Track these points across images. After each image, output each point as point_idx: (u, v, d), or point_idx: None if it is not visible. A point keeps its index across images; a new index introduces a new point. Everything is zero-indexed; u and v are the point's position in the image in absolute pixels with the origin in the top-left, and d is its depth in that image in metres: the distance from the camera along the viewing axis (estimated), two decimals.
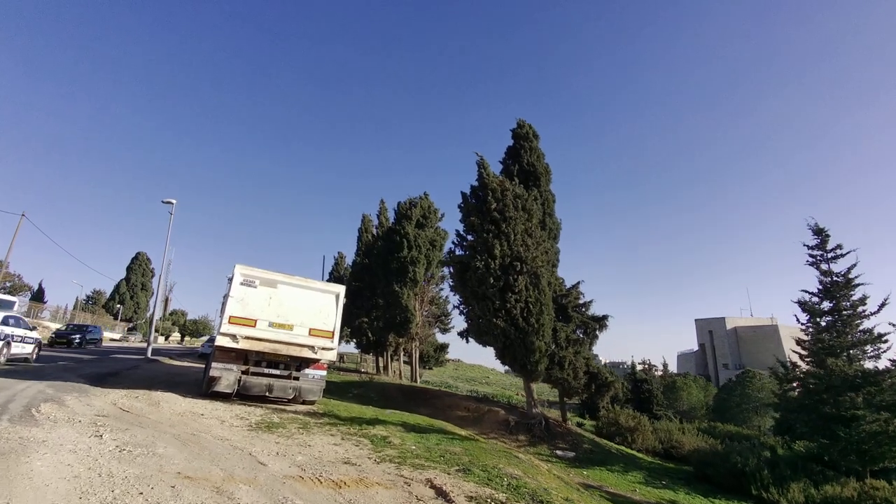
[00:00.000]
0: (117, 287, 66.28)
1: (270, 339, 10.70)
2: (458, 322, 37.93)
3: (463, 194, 19.35)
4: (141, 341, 60.52)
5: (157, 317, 25.64)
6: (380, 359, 30.54)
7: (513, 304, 16.56)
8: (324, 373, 11.70)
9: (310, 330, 11.21)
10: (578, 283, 20.32)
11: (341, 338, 21.80)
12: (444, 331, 30.86)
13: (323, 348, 11.24)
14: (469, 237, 19.09)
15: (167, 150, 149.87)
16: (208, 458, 5.51)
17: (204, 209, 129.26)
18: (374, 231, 33.15)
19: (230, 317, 10.43)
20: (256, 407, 10.32)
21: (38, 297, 55.95)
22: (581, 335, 19.36)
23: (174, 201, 24.52)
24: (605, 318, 19.30)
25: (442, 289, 31.02)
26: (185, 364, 22.62)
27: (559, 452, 14.46)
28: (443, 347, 34.25)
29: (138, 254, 69.14)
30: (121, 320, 63.10)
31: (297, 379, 11.19)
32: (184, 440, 6.31)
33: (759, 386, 37.81)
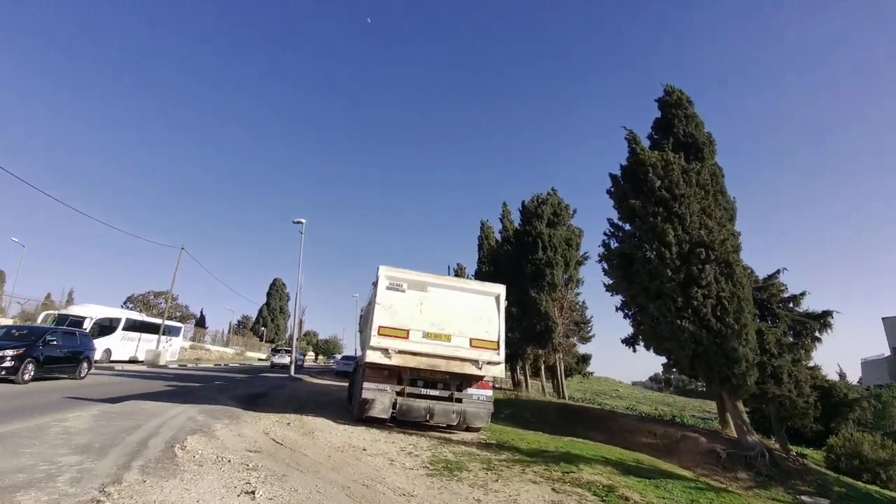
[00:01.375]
0: (260, 311, 73.31)
1: (426, 353, 8.82)
2: (600, 329, 33.80)
3: (613, 177, 16.19)
4: (312, 361, 65.95)
5: (294, 338, 26.16)
6: (515, 373, 28.03)
7: (700, 300, 12.90)
8: (490, 393, 9.51)
9: (471, 341, 9.14)
10: (778, 271, 15.74)
11: None
12: (584, 340, 27.40)
13: (489, 362, 9.07)
14: (627, 226, 15.86)
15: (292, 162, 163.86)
16: None
17: (313, 230, 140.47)
18: (497, 236, 31.03)
19: (379, 327, 8.76)
20: (419, 436, 8.42)
21: (201, 323, 63.87)
22: (792, 338, 14.80)
23: (304, 220, 24.99)
24: (827, 315, 14.46)
25: (579, 293, 27.63)
26: (325, 382, 22.48)
27: (807, 499, 10.42)
28: (585, 359, 30.63)
29: (275, 280, 76.07)
30: (265, 341, 69.42)
31: (459, 401, 9.14)
32: (356, 497, 4.40)
33: None
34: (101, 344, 26.67)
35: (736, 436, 13.02)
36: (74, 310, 26.62)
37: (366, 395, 8.71)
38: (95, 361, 26.28)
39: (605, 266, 16.36)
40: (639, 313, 14.93)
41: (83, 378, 15.35)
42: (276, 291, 75.27)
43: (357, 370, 12.66)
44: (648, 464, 8.57)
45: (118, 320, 28.27)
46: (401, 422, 9.05)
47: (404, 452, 6.87)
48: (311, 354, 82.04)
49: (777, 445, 14.20)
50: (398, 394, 8.89)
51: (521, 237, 26.06)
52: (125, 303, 50.51)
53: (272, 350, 60.29)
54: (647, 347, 15.33)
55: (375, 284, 9.29)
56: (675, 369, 22.30)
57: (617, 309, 16.67)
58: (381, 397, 8.71)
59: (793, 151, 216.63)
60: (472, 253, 31.55)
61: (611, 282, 16.13)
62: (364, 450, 6.76)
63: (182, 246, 32.53)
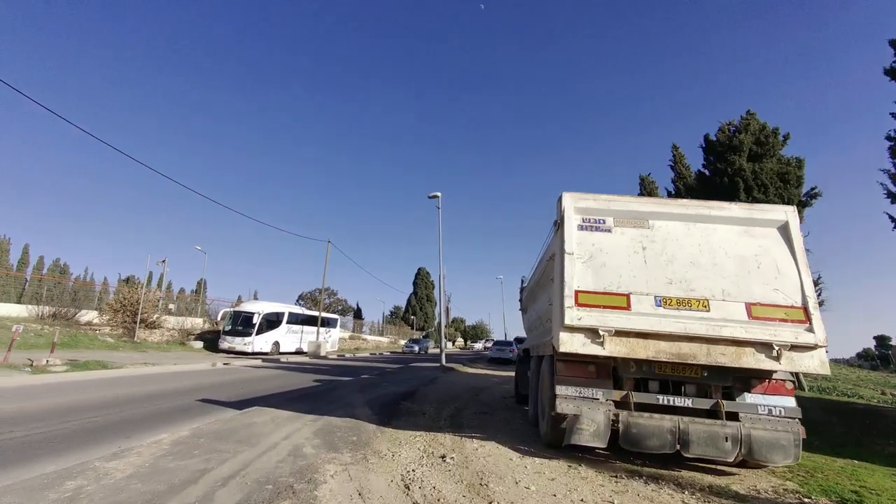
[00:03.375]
0: (409, 301, 75.69)
1: (667, 334, 4.81)
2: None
3: None
4: (433, 348, 66.91)
5: (443, 325, 24.04)
6: None
7: None
8: (793, 402, 5.08)
9: (749, 308, 4.85)
10: None
11: None
12: None
13: (793, 346, 4.70)
14: None
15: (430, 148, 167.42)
16: None
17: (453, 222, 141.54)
18: (669, 188, 24.71)
19: (576, 293, 5.02)
20: (671, 489, 4.50)
21: (358, 315, 68.12)
22: None
23: (439, 194, 22.51)
24: None
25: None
26: (481, 372, 19.74)
27: None
28: None
29: (419, 269, 77.76)
30: (415, 329, 71.42)
31: (734, 416, 4.96)
32: None
33: None
34: (270, 337, 28.28)
35: None
36: (245, 307, 28.59)
37: (563, 406, 5.08)
38: (266, 353, 28.19)
39: None
40: None
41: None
42: (422, 280, 76.93)
43: (525, 361, 9.16)
44: None
45: (283, 314, 29.80)
46: (625, 451, 5.23)
47: None
48: (459, 341, 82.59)
49: None
50: (618, 404, 5.08)
51: (710, 181, 19.70)
52: (298, 300, 55.50)
53: (410, 340, 61.35)
54: None
55: (558, 225, 5.57)
56: None
57: None
58: (588, 411, 5.00)
59: None
60: None
61: None
62: None
63: (329, 239, 33.23)
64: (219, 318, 29.39)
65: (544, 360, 6.18)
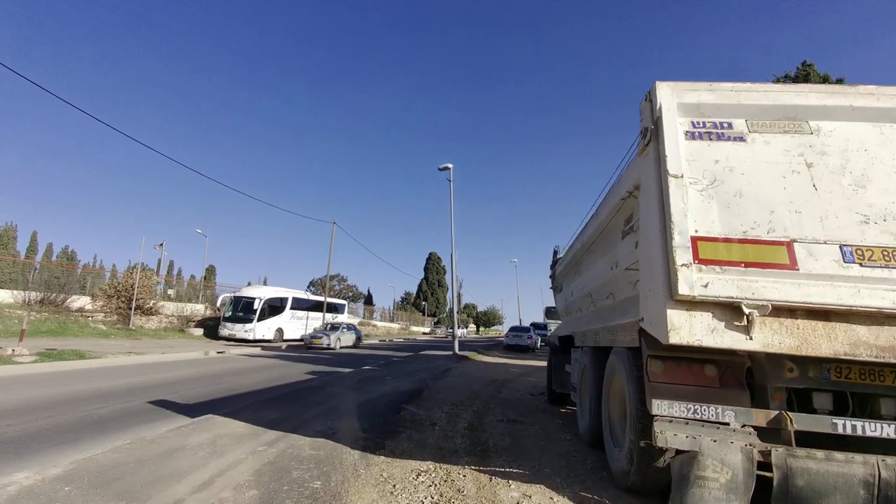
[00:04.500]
0: (419, 286, 73.96)
1: (868, 312, 2.69)
2: None
3: None
4: (445, 335, 65.30)
5: (455, 309, 22.03)
6: None
7: None
8: None
9: None
10: None
11: None
12: None
13: None
14: None
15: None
16: None
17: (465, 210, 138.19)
18: None
19: (695, 242, 2.88)
20: None
21: (369, 301, 66.62)
22: None
23: (451, 166, 20.32)
24: None
25: None
26: (497, 361, 17.72)
27: None
28: None
29: (430, 254, 75.88)
30: (426, 315, 69.75)
31: None
32: None
33: None
34: (272, 324, 26.58)
35: None
36: (246, 292, 26.91)
37: (667, 436, 2.91)
38: (269, 341, 26.55)
39: None
40: None
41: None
42: (433, 265, 75.06)
43: (563, 352, 7.07)
44: None
45: (286, 300, 28.09)
46: None
47: None
48: (472, 326, 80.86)
49: None
50: (765, 434, 2.94)
51: None
52: (309, 286, 54.01)
53: (434, 323, 59.47)
54: None
55: (648, 135, 3.35)
56: None
57: None
58: (714, 446, 2.83)
59: None
60: None
61: None
62: None
63: (334, 220, 31.29)
64: (218, 304, 27.85)
65: (615, 356, 4.06)
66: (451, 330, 25.17)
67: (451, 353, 19.11)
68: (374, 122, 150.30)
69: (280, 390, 8.12)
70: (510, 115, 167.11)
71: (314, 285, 55.89)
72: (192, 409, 6.36)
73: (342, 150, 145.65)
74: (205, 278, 49.25)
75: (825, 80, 16.89)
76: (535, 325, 31.03)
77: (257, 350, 20.40)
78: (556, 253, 8.34)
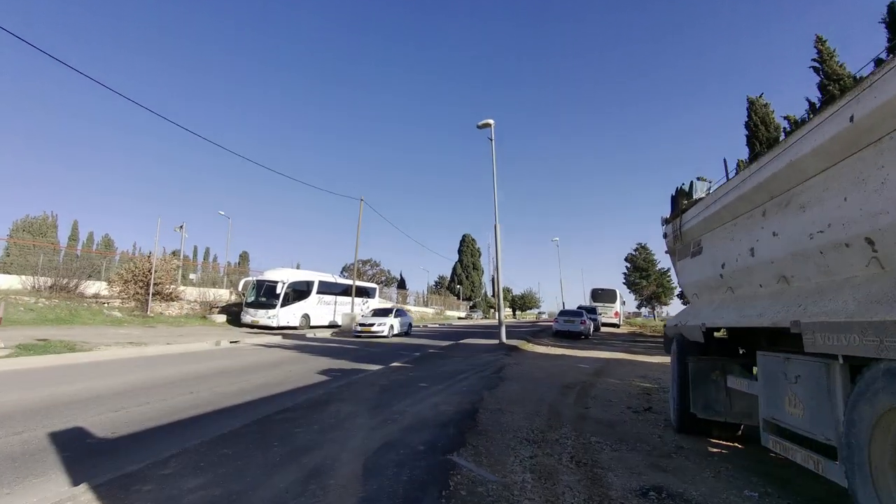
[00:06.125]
0: (454, 269, 71.25)
1: None
2: None
3: None
4: (482, 318, 62.49)
5: (500, 289, 19.12)
6: None
7: None
8: None
9: None
10: None
11: None
12: None
13: None
14: None
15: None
16: None
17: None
18: (790, 109, 18.10)
19: None
20: None
21: (402, 285, 64.57)
22: None
23: (492, 122, 17.18)
24: None
25: None
26: (553, 352, 14.74)
27: None
28: None
29: (464, 236, 72.83)
30: (461, 299, 67.14)
31: None
32: None
33: None
34: (298, 309, 24.39)
35: None
36: (269, 275, 24.85)
37: None
38: (294, 328, 24.51)
39: None
40: None
41: None
42: (467, 248, 72.07)
43: (700, 352, 4.10)
44: None
45: (312, 283, 25.88)
46: None
47: None
48: (507, 310, 77.84)
49: None
50: None
51: None
52: (342, 272, 52.32)
53: (470, 308, 56.67)
54: None
55: None
56: None
57: None
58: None
59: None
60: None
61: None
62: None
63: (361, 197, 28.79)
64: (240, 289, 26.02)
65: None
66: (490, 313, 22.35)
67: (496, 342, 16.26)
68: (408, 95, 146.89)
69: (257, 411, 5.48)
70: (551, 85, 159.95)
71: (347, 270, 54.12)
72: (110, 450, 3.80)
73: (378, 128, 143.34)
74: (238, 264, 48.23)
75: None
76: (587, 309, 27.76)
77: (277, 339, 18.21)
78: (684, 193, 5.25)
